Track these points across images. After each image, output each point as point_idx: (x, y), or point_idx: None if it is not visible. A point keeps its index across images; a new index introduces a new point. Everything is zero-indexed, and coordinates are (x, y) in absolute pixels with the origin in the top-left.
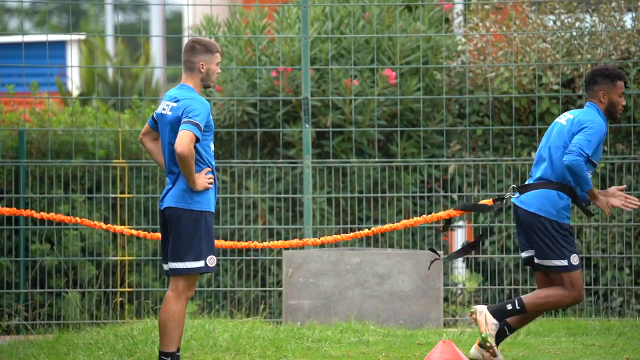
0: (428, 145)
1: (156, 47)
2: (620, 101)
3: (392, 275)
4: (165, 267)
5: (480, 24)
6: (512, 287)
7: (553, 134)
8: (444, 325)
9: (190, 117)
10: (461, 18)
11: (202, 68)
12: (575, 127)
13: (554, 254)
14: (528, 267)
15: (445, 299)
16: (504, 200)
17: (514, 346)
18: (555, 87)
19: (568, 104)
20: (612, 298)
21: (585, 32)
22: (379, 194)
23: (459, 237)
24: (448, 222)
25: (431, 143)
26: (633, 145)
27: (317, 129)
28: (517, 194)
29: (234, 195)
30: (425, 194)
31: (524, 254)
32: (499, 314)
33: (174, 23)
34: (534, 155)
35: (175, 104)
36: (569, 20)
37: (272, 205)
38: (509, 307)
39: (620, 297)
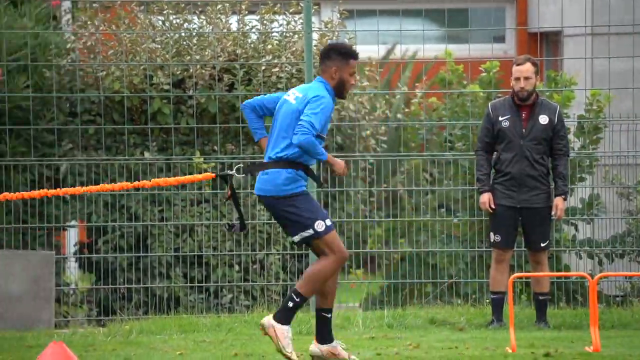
0: (39, 144)
1: None
2: (350, 80)
3: (1, 276)
4: None
5: (89, 22)
6: (126, 286)
7: (282, 113)
8: (56, 326)
9: None
10: (70, 15)
11: None
12: (304, 104)
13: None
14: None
15: (57, 300)
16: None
17: (126, 345)
18: (166, 87)
19: (179, 104)
20: (222, 294)
21: (194, 34)
22: None
23: (72, 237)
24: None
25: (42, 142)
26: (242, 145)
27: None
28: (241, 174)
29: None
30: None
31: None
32: (285, 316)
33: None
34: (147, 154)
35: None
36: (178, 21)
37: None
38: (291, 304)
39: (230, 293)
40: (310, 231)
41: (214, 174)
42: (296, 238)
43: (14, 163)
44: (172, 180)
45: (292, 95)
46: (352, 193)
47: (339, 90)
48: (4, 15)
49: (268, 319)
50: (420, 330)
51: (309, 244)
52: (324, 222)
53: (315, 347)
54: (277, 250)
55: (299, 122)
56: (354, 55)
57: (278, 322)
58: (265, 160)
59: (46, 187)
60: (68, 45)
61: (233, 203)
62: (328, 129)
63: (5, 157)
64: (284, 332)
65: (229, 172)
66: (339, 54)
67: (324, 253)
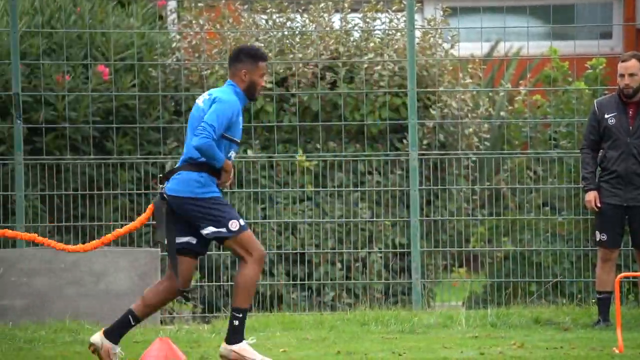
0: (145, 142)
1: None
2: (259, 81)
3: (108, 273)
4: None
5: (194, 22)
6: (230, 283)
7: (192, 116)
8: (162, 322)
9: None
10: (175, 15)
11: None
12: (209, 105)
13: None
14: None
15: None
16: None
17: None
18: (269, 85)
19: (282, 102)
20: (324, 292)
21: (297, 32)
22: (95, 192)
23: None
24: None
25: (148, 140)
26: (344, 143)
27: (29, 125)
28: (162, 184)
29: None
30: (143, 191)
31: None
32: (238, 336)
33: None
34: (250, 152)
35: None
36: (281, 19)
37: None
38: (236, 322)
39: (332, 291)
40: (224, 230)
41: (151, 208)
42: (208, 231)
43: (120, 161)
44: (126, 229)
45: (201, 98)
46: (454, 191)
47: (250, 92)
48: (112, 16)
49: (225, 348)
50: (524, 330)
51: (222, 243)
52: (238, 221)
53: (99, 337)
54: (380, 248)
55: (200, 124)
56: (263, 57)
57: (235, 344)
58: (179, 163)
59: (152, 184)
60: (173, 45)
61: (164, 240)
62: (241, 133)
63: (112, 155)
64: (245, 348)
65: (158, 194)
66: (248, 57)
67: (241, 256)
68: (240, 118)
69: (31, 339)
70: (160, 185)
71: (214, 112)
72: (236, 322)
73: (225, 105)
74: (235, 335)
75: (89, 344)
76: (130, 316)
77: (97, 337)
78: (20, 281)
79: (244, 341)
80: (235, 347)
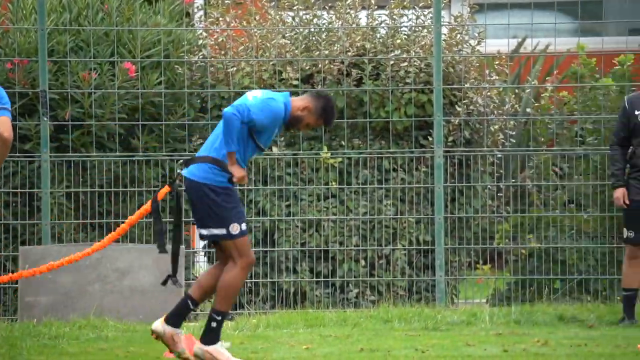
0: (170, 139)
1: None
2: (304, 127)
3: (132, 270)
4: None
5: (220, 19)
6: (253, 280)
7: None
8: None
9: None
10: (202, 12)
11: None
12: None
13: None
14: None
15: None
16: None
17: (253, 339)
18: (295, 82)
19: None
20: (348, 289)
21: (323, 29)
22: (120, 189)
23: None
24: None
25: (173, 137)
26: (369, 140)
27: (55, 123)
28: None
29: None
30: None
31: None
32: (213, 337)
33: None
34: (275, 149)
35: None
36: (307, 16)
37: (8, 200)
38: (214, 324)
39: (356, 288)
40: (223, 231)
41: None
42: (204, 232)
43: (145, 158)
44: (135, 217)
45: (251, 94)
46: (479, 188)
47: (292, 122)
48: (139, 13)
49: (199, 348)
50: (548, 327)
51: (216, 243)
52: (240, 225)
53: (160, 324)
54: (403, 246)
55: (241, 102)
56: (328, 122)
57: (209, 345)
58: (199, 154)
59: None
60: (200, 42)
61: (174, 218)
62: (272, 139)
63: (137, 152)
64: (218, 349)
65: (179, 171)
66: (322, 107)
67: (232, 256)
68: (276, 130)
69: (55, 336)
70: (178, 171)
71: (260, 103)
72: (214, 324)
73: (274, 106)
74: (211, 336)
75: (151, 331)
76: (189, 301)
77: (159, 325)
78: (45, 278)
79: (219, 343)
80: (209, 348)
